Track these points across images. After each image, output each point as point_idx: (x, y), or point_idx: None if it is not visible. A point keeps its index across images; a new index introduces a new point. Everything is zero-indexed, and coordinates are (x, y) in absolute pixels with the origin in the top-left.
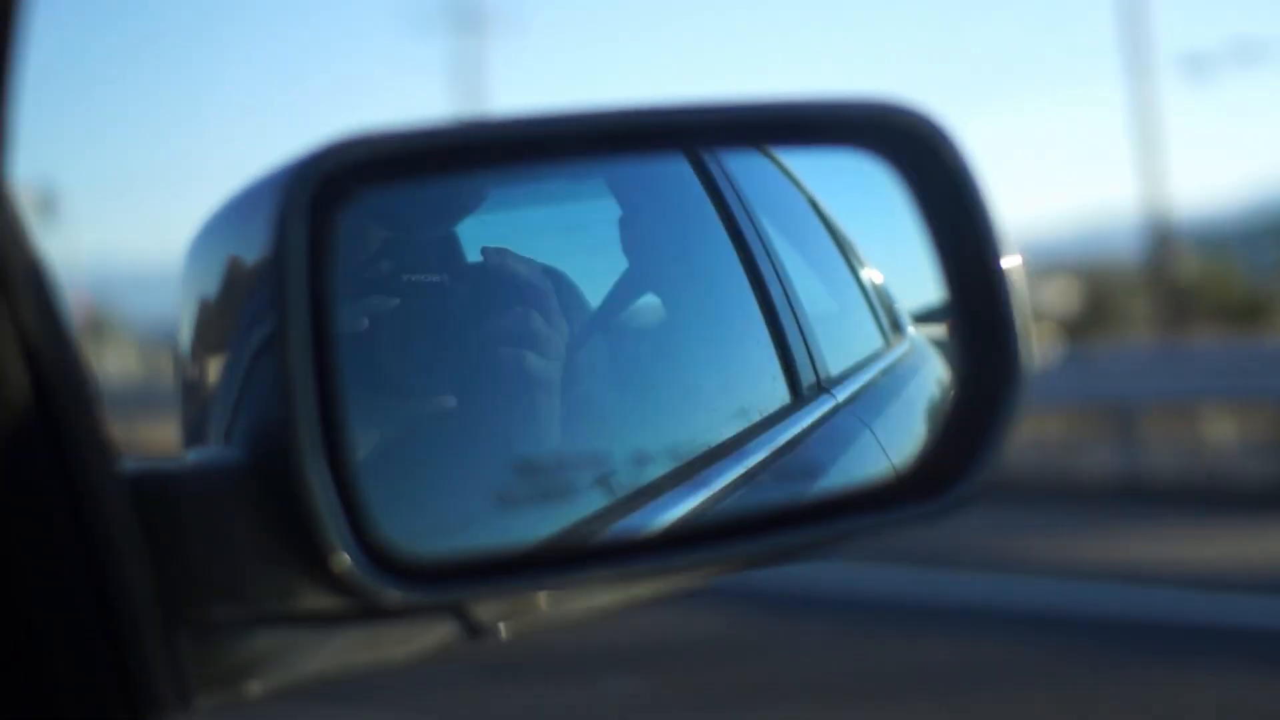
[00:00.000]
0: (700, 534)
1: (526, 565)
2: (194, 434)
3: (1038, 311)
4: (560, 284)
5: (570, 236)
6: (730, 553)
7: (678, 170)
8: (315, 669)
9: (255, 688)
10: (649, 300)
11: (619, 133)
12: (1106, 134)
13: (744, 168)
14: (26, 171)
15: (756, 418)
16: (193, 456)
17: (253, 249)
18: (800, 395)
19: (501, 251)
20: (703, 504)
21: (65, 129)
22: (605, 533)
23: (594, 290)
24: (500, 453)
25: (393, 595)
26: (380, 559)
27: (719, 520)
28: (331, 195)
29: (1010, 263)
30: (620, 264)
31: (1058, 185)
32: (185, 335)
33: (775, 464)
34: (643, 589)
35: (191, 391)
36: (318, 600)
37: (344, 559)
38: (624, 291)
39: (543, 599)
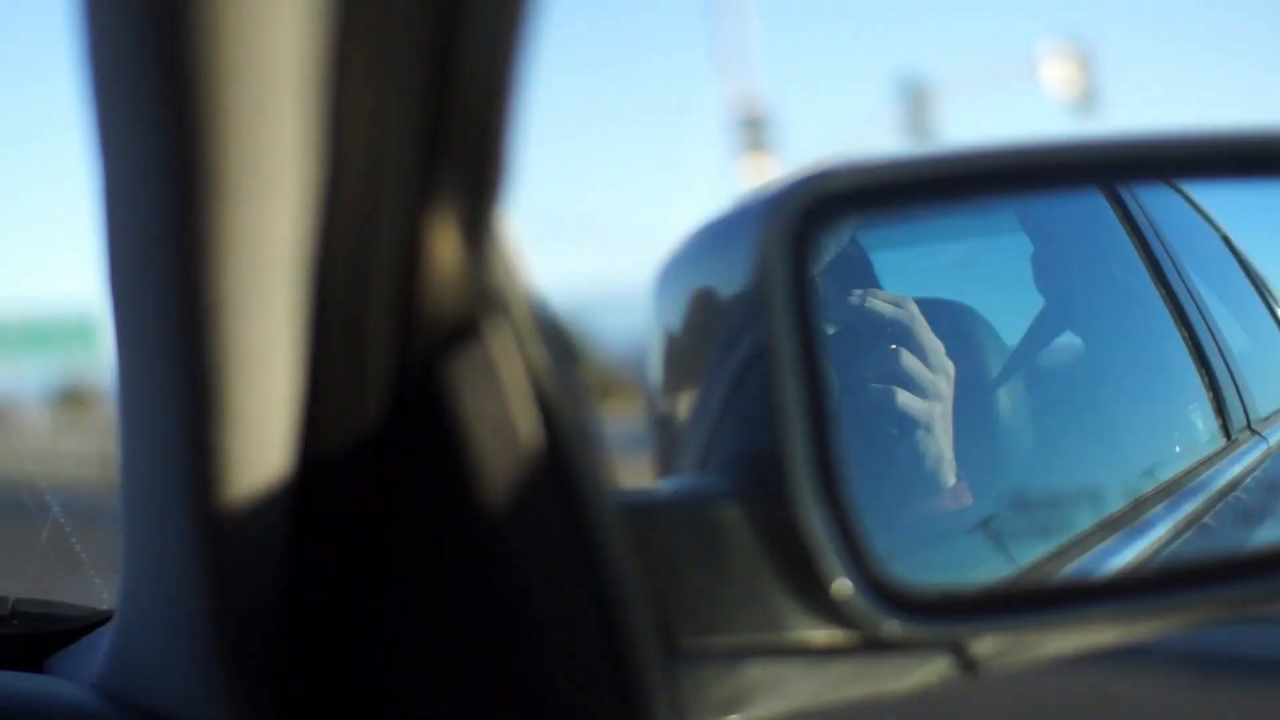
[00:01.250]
0: (1203, 572)
1: (1027, 602)
2: (666, 464)
3: None
4: (973, 322)
5: (981, 272)
6: (1239, 592)
7: (1091, 204)
8: (805, 702)
9: None
10: (1068, 338)
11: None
12: None
13: (1155, 200)
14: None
15: (1191, 461)
16: (669, 486)
17: (727, 280)
18: (1231, 438)
19: (868, 292)
20: (1166, 543)
21: None
22: (1104, 570)
23: (1009, 328)
24: (993, 486)
25: (894, 628)
26: (881, 590)
27: (1222, 559)
28: (813, 225)
29: None
30: (1034, 301)
31: None
32: (655, 367)
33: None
34: (1135, 629)
35: (663, 422)
36: (810, 631)
37: (847, 589)
38: (1042, 329)
39: (1040, 638)
